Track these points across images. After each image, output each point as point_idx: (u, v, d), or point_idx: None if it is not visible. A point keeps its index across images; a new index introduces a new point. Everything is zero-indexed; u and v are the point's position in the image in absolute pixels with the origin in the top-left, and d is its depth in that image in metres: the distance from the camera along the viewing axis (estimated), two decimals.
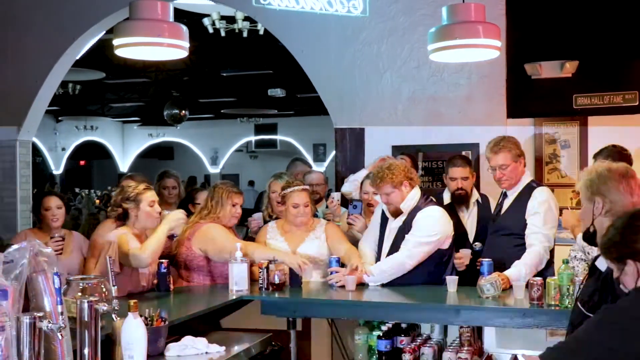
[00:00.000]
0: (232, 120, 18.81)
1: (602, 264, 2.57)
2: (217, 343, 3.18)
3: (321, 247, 4.46)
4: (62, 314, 2.41)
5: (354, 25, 5.96)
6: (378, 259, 4.39)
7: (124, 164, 20.84)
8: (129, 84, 14.42)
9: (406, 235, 4.19)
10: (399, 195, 4.24)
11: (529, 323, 3.65)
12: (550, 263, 4.20)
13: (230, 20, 8.18)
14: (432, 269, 4.22)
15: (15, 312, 2.31)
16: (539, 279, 3.64)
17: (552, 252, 4.21)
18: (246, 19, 8.01)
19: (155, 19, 3.89)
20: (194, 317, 3.57)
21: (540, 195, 4.20)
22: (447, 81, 5.84)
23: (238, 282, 4.01)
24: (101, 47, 7.64)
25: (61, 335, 2.37)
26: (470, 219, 4.84)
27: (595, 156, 4.64)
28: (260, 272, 4.18)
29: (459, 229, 4.69)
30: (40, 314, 2.34)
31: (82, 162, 20.88)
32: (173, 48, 3.98)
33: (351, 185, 5.23)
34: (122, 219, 4.05)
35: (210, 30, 8.25)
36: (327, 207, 5.23)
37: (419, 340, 4.02)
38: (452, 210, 4.71)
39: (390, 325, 4.01)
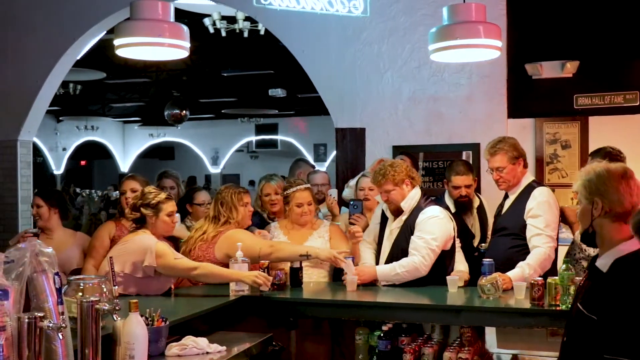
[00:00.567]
0: (233, 120, 18.82)
1: (603, 264, 2.56)
2: (218, 343, 3.18)
3: (324, 245, 4.47)
4: (62, 313, 2.41)
5: (355, 25, 5.96)
6: (378, 258, 4.39)
7: (124, 164, 20.85)
8: (129, 84, 14.43)
9: (413, 238, 4.18)
10: (399, 193, 4.25)
11: (529, 323, 3.65)
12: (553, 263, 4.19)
13: (231, 20, 8.18)
14: (434, 270, 4.20)
15: (16, 311, 2.31)
16: (539, 279, 3.63)
17: (555, 251, 4.21)
18: (247, 19, 8.02)
19: (155, 19, 3.89)
20: (194, 317, 3.57)
21: (540, 195, 4.19)
22: (447, 81, 5.84)
23: (239, 282, 4.01)
24: (102, 47, 7.65)
25: (62, 335, 2.37)
26: (474, 224, 4.85)
27: (592, 155, 4.65)
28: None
29: (465, 234, 4.69)
30: (41, 314, 2.34)
31: (82, 162, 20.90)
32: (174, 48, 3.98)
33: (351, 191, 5.23)
34: (138, 222, 4.05)
35: (211, 30, 8.25)
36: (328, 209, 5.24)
37: (419, 340, 4.02)
38: (458, 216, 4.72)
39: (390, 325, 4.00)
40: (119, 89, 15.18)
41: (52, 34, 6.76)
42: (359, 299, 4.06)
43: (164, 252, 3.89)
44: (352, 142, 6.06)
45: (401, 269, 4.14)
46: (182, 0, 7.15)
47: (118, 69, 11.14)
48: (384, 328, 4.00)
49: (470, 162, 5.58)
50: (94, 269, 4.39)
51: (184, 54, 4.09)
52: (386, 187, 4.25)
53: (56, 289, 2.43)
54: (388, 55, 5.97)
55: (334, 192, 5.18)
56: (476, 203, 4.90)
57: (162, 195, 4.05)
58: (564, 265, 3.59)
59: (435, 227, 4.16)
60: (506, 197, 4.40)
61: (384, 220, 4.45)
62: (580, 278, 3.14)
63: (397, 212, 4.32)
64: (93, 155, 20.87)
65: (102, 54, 8.59)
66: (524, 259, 4.05)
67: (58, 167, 19.06)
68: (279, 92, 13.43)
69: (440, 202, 4.67)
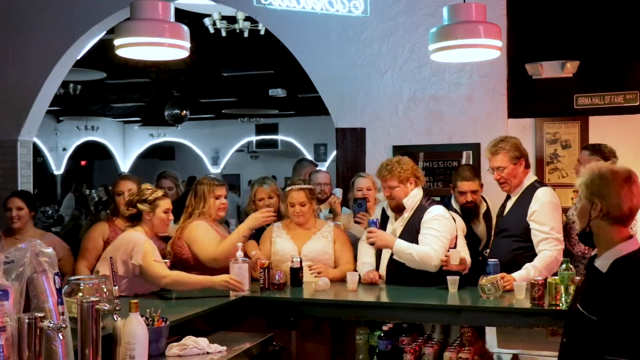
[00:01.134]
0: (233, 121, 18.80)
1: (602, 265, 2.55)
2: (218, 343, 3.19)
3: (326, 246, 4.47)
4: (63, 314, 2.41)
5: (355, 25, 5.96)
6: (377, 258, 4.39)
7: (125, 164, 20.84)
8: (129, 84, 14.40)
9: (423, 232, 4.19)
10: (403, 190, 4.27)
11: (529, 323, 3.65)
12: None
13: (231, 20, 8.17)
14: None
15: (16, 312, 2.31)
16: (539, 278, 3.63)
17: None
18: (247, 19, 8.01)
19: (156, 19, 3.89)
20: (195, 317, 3.57)
21: (543, 196, 4.16)
22: (448, 81, 5.84)
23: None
24: (102, 47, 7.63)
25: (62, 335, 2.37)
26: (480, 228, 4.83)
27: (584, 149, 4.73)
28: (261, 272, 4.19)
29: (471, 241, 4.68)
30: (41, 314, 2.34)
31: (83, 163, 20.87)
32: (174, 48, 3.98)
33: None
34: (133, 219, 4.05)
35: (211, 30, 8.24)
36: (329, 210, 5.23)
37: (420, 340, 4.02)
38: (465, 222, 4.70)
39: (391, 325, 4.01)
40: (119, 89, 15.16)
41: (52, 34, 6.76)
42: (359, 299, 4.06)
43: (149, 252, 3.89)
44: (352, 142, 6.06)
45: (416, 253, 4.15)
46: (182, 0, 7.14)
47: (118, 69, 11.12)
48: (385, 328, 4.01)
49: (471, 162, 5.59)
50: (86, 269, 4.38)
51: (184, 54, 4.09)
52: (391, 183, 4.27)
53: (56, 289, 2.43)
54: (388, 55, 5.97)
55: (338, 192, 5.18)
56: (483, 208, 4.88)
57: (159, 192, 4.09)
58: (564, 265, 3.59)
59: (441, 225, 4.18)
60: (508, 197, 4.39)
61: (384, 219, 4.45)
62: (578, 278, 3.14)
63: (398, 209, 4.33)
64: (93, 156, 20.85)
65: (102, 54, 8.56)
66: (526, 262, 4.04)
67: (58, 167, 19.05)
68: (279, 92, 13.41)
69: (446, 206, 4.67)
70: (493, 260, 3.96)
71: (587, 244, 2.77)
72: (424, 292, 4.09)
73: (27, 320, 2.28)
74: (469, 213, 4.76)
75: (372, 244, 4.31)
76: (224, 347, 3.17)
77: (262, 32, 8.03)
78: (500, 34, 4.11)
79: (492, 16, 4.28)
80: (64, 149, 19.23)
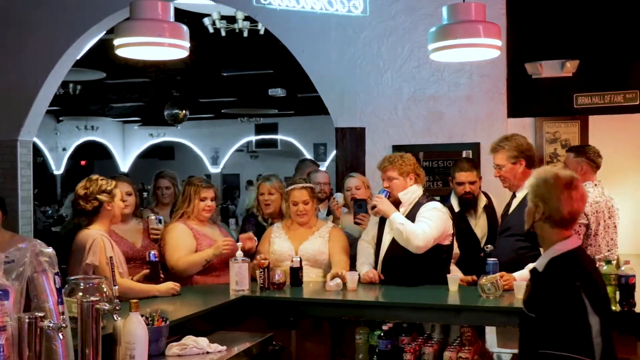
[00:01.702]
0: (233, 120, 18.81)
1: (540, 265, 2.66)
2: (218, 343, 3.19)
3: (322, 245, 4.48)
4: (63, 313, 2.41)
5: (355, 24, 5.96)
6: (377, 257, 4.40)
7: (124, 164, 20.86)
8: (129, 84, 14.41)
9: (416, 219, 4.20)
10: (401, 184, 4.28)
11: None
12: None
13: (231, 20, 8.18)
14: (432, 265, 4.21)
15: (17, 311, 2.31)
16: None
17: None
18: (246, 18, 8.01)
19: (155, 19, 3.89)
20: (195, 316, 3.57)
21: None
22: (447, 81, 5.84)
23: (239, 282, 4.01)
24: (102, 47, 7.63)
25: (62, 335, 2.37)
26: (480, 223, 4.83)
27: (569, 151, 4.73)
28: (260, 272, 4.19)
29: (468, 234, 4.68)
30: (42, 314, 2.34)
31: (82, 162, 20.88)
32: (173, 48, 3.98)
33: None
34: (93, 214, 4.00)
35: (211, 30, 8.24)
36: (328, 212, 5.23)
37: (420, 340, 4.02)
38: (462, 217, 4.70)
39: (391, 325, 4.01)
40: (119, 89, 15.17)
41: (52, 33, 6.76)
42: (359, 299, 4.06)
43: (102, 249, 3.81)
44: (352, 142, 6.06)
45: (406, 227, 4.12)
46: (182, 0, 7.14)
47: (118, 69, 11.12)
48: (384, 327, 4.01)
49: None
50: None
51: (183, 53, 4.09)
52: (390, 174, 4.29)
53: (56, 289, 2.43)
54: (388, 54, 5.98)
55: (339, 197, 5.17)
56: (482, 202, 4.88)
57: (113, 182, 4.08)
58: None
59: (435, 216, 4.18)
60: (514, 196, 4.37)
61: (382, 217, 4.45)
62: None
63: (394, 203, 4.33)
64: (93, 155, 20.86)
65: (102, 54, 8.56)
66: (529, 261, 4.02)
67: (58, 167, 19.06)
68: (279, 92, 13.42)
69: (445, 202, 4.68)
70: (492, 259, 3.96)
71: (533, 244, 2.91)
72: (423, 292, 4.09)
73: (27, 320, 2.28)
74: (466, 205, 4.77)
75: (373, 207, 4.32)
76: (224, 347, 3.17)
77: (262, 32, 8.04)
78: (500, 33, 4.11)
79: (491, 15, 4.28)
80: (64, 149, 19.24)
